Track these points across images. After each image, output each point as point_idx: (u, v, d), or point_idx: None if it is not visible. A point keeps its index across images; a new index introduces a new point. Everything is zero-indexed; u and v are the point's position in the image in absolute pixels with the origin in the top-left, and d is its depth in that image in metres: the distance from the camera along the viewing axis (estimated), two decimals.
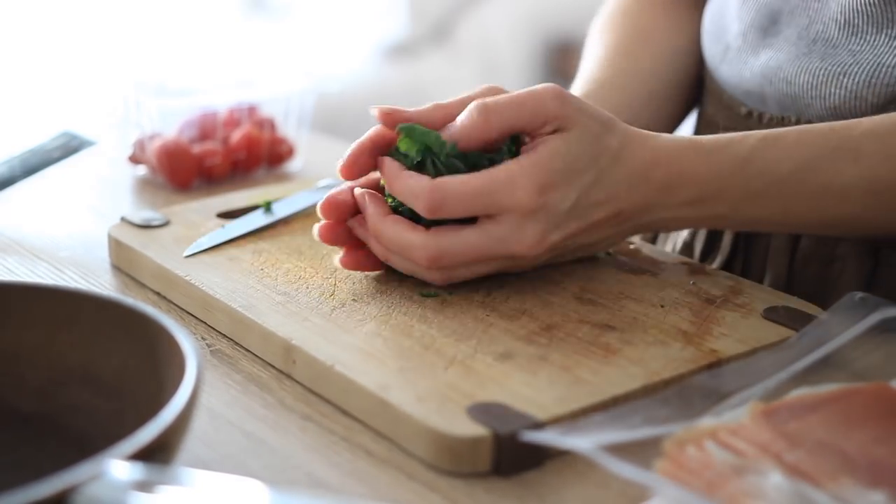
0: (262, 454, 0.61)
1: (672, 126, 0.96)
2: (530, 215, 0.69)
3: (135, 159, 1.06)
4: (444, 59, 3.09)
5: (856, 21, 0.79)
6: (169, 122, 1.04)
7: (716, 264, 0.89)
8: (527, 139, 0.72)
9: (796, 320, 0.71)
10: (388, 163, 0.72)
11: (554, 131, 0.70)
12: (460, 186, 0.69)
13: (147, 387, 0.58)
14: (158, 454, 0.49)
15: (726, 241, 0.89)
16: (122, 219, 0.86)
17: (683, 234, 0.93)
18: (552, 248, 0.72)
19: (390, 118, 0.73)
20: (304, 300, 0.73)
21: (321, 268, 0.78)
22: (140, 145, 1.05)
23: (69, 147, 0.98)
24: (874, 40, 0.78)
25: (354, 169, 0.74)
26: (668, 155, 0.72)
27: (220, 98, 1.07)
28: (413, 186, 0.70)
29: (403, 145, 0.72)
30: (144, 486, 0.44)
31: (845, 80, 0.79)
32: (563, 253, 0.75)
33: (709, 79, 0.93)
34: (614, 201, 0.72)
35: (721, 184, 0.72)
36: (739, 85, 0.87)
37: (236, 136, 1.05)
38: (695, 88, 0.97)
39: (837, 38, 0.80)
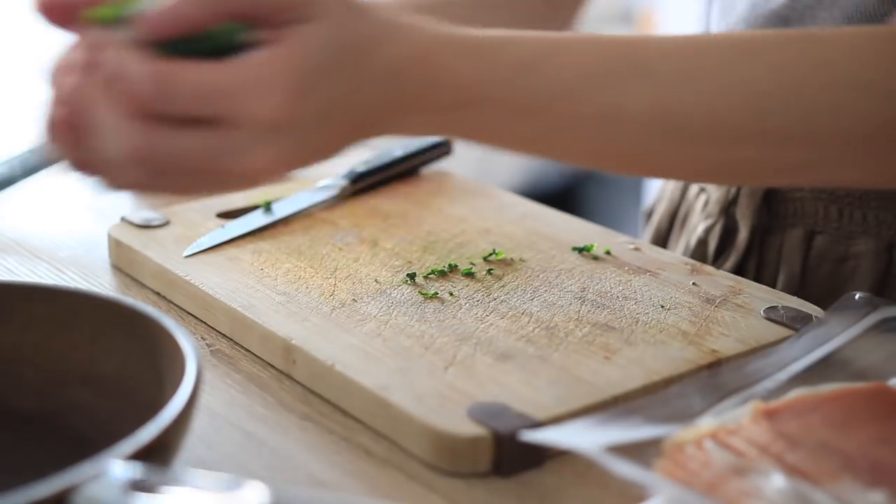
0: (262, 454, 0.61)
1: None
2: (273, 130, 0.55)
3: None
4: None
5: (861, 25, 0.79)
6: None
7: (729, 263, 0.89)
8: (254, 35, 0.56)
9: (796, 320, 0.71)
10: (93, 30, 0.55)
11: (296, 22, 0.55)
12: (195, 78, 0.53)
13: (147, 387, 0.58)
14: (158, 454, 0.49)
15: (741, 239, 0.89)
16: (122, 219, 0.86)
17: (698, 232, 0.93)
18: (286, 170, 0.57)
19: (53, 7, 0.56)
20: (304, 300, 0.73)
21: (321, 268, 0.78)
22: None
23: None
24: None
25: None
26: (427, 49, 0.59)
27: None
28: (130, 67, 0.52)
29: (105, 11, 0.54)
30: (144, 486, 0.44)
31: None
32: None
33: None
34: (363, 107, 0.58)
35: (487, 91, 0.60)
36: None
37: None
38: None
39: None
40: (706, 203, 0.94)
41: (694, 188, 0.97)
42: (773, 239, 0.88)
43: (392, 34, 0.58)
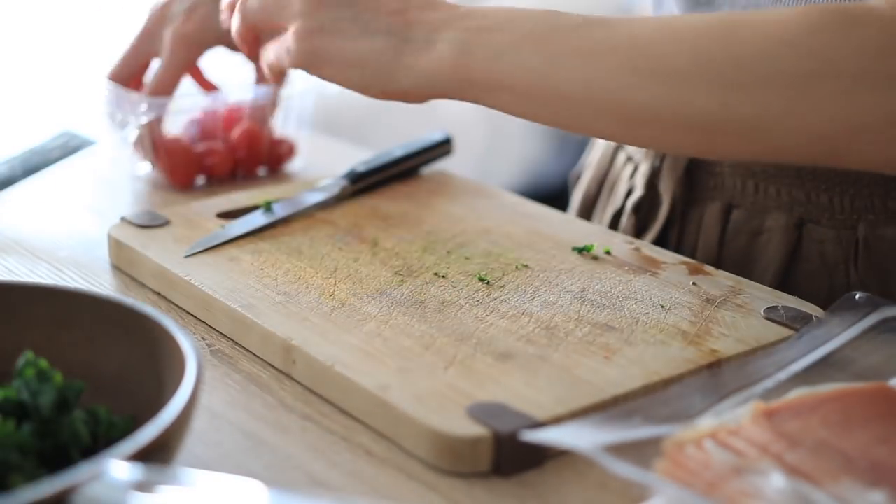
0: (262, 454, 0.61)
1: None
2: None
3: (138, 150, 1.05)
4: None
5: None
6: (169, 121, 1.04)
7: (651, 234, 0.92)
8: None
9: (796, 320, 0.71)
10: None
11: None
12: None
13: (147, 387, 0.58)
14: (158, 454, 0.49)
15: (662, 211, 0.91)
16: (122, 219, 0.86)
17: (626, 205, 0.95)
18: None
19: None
20: (304, 300, 0.73)
21: (321, 268, 0.78)
22: (140, 145, 1.05)
23: (69, 147, 0.98)
24: None
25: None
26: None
27: (221, 98, 1.07)
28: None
29: None
30: (144, 486, 0.44)
31: None
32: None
33: None
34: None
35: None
36: None
37: (237, 132, 1.05)
38: None
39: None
40: (633, 173, 0.95)
41: (622, 156, 0.99)
42: (694, 211, 0.90)
43: None
